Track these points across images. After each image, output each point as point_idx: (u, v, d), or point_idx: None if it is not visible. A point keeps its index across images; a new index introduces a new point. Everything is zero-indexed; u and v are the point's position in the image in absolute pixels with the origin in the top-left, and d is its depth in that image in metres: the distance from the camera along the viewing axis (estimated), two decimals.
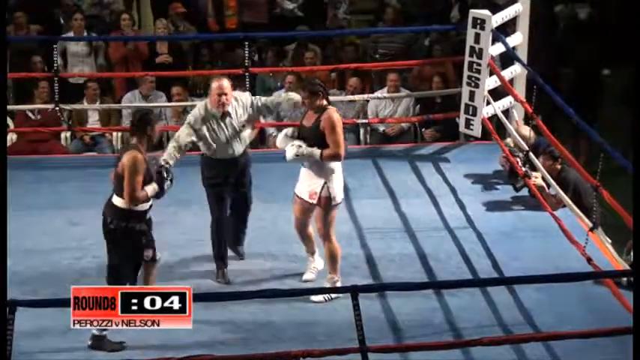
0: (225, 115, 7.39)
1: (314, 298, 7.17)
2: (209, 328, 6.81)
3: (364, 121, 10.53)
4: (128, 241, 6.61)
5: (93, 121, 10.47)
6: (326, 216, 7.22)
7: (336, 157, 7.12)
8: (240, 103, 7.46)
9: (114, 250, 6.66)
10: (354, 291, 5.69)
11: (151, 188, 6.62)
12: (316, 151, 7.10)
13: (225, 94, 7.33)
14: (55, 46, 9.95)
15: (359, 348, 5.59)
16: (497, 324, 6.92)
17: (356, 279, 7.23)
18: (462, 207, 8.71)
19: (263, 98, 7.59)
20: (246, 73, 9.71)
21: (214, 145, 7.41)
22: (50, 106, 9.83)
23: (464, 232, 8.27)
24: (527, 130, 8.91)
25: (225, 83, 7.37)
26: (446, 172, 9.53)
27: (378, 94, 10.54)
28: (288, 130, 7.34)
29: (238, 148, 7.48)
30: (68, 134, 10.36)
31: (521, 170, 8.66)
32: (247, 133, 7.58)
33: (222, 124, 7.39)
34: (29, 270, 7.60)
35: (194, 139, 7.38)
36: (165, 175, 6.73)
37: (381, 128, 10.56)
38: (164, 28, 11.19)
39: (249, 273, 7.58)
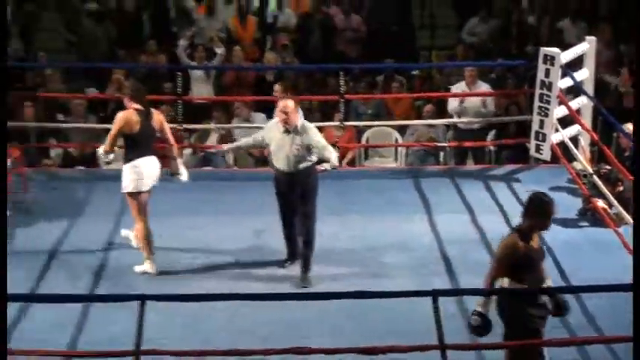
0: (287, 131, 7.88)
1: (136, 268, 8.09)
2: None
3: (445, 144, 11.03)
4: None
5: (213, 139, 11.29)
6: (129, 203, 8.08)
7: None
8: (304, 135, 7.87)
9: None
10: (434, 295, 5.89)
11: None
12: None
13: (286, 113, 7.79)
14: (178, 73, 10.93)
15: (439, 345, 5.81)
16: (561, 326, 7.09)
17: (436, 284, 7.66)
18: None
19: (320, 144, 7.86)
20: (342, 100, 10.40)
21: (272, 153, 7.97)
22: (174, 126, 10.45)
23: None
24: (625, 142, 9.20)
25: (290, 104, 7.80)
26: (517, 191, 9.80)
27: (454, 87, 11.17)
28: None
29: (290, 166, 7.88)
30: (190, 150, 11.12)
31: (586, 192, 9.10)
32: (305, 157, 7.91)
33: (283, 139, 7.89)
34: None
35: (259, 138, 8.10)
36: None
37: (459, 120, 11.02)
38: (274, 60, 12.33)
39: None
